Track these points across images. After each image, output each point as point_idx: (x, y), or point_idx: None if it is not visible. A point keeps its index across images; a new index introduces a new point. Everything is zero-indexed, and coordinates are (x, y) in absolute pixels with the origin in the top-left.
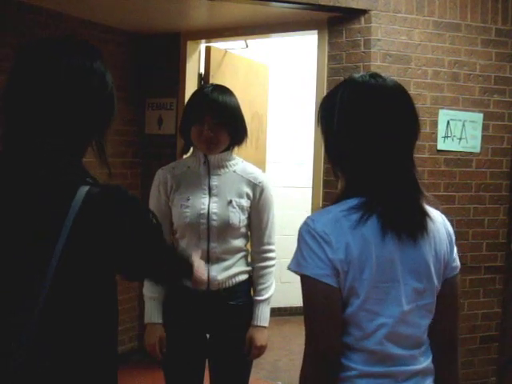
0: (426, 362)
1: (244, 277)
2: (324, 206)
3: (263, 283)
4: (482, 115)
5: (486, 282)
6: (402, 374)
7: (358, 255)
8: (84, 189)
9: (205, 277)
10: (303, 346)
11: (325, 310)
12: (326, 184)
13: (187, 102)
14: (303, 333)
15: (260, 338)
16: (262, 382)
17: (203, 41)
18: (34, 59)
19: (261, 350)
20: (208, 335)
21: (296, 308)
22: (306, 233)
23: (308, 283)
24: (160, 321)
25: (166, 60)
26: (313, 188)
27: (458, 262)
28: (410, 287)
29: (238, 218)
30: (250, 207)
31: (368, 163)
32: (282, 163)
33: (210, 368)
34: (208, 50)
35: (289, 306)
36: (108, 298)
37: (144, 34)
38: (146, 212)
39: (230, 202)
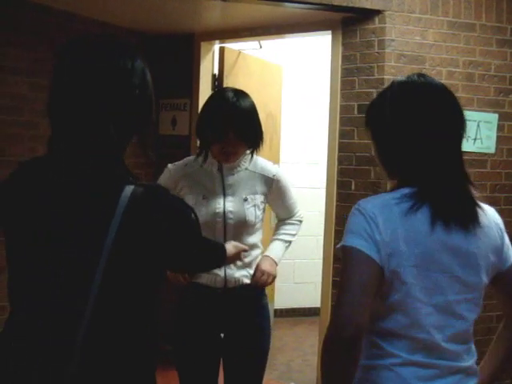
0: (470, 362)
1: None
2: (338, 206)
3: (284, 229)
4: (496, 116)
5: None
6: (445, 368)
7: (404, 242)
8: (129, 188)
9: (239, 250)
10: (316, 347)
11: (360, 281)
12: (340, 184)
13: (206, 110)
14: (316, 333)
15: (266, 264)
16: (275, 382)
17: (217, 41)
18: (76, 60)
19: (264, 274)
20: (222, 334)
21: (309, 309)
22: (356, 211)
23: (350, 253)
24: None
25: (180, 61)
26: (326, 188)
27: (511, 255)
28: (459, 279)
29: (254, 215)
30: (267, 199)
31: (421, 157)
32: (295, 163)
33: (224, 367)
34: (222, 50)
35: (302, 306)
36: (154, 295)
37: (158, 35)
38: (187, 209)
39: (246, 199)
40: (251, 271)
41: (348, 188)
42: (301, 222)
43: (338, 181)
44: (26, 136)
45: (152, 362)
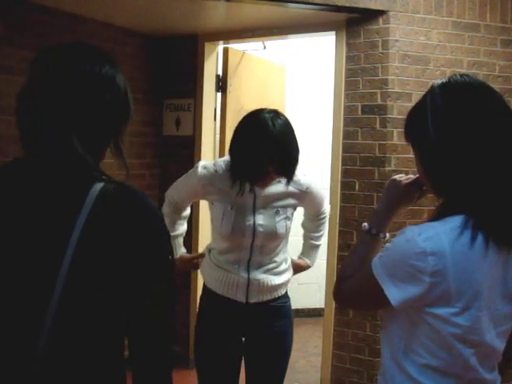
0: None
1: (283, 279)
2: (341, 207)
3: (319, 231)
4: None
5: None
6: None
7: (459, 281)
8: (98, 185)
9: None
10: (320, 348)
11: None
12: (344, 185)
13: (239, 140)
14: (320, 334)
15: (302, 266)
16: None
17: (221, 42)
18: (45, 67)
19: (301, 267)
20: (244, 338)
21: (313, 309)
22: (404, 241)
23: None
24: (182, 251)
25: (184, 61)
26: (330, 189)
27: None
28: (501, 312)
29: (285, 227)
30: (297, 207)
31: (472, 174)
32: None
33: (246, 368)
34: (226, 51)
35: (306, 307)
36: (122, 295)
37: (162, 36)
38: (158, 216)
39: (278, 212)
40: (275, 273)
41: (352, 189)
42: (327, 217)
43: (341, 181)
44: None
45: (120, 369)
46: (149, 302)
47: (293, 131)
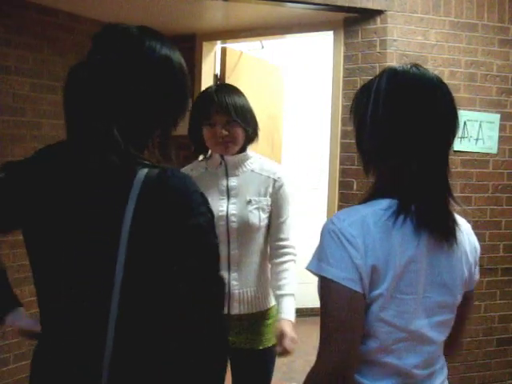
0: (440, 380)
1: (266, 281)
2: (340, 206)
3: (285, 278)
4: (499, 116)
5: (503, 283)
6: None
7: (383, 262)
8: (143, 171)
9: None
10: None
11: (346, 318)
12: (342, 184)
13: (193, 105)
14: (318, 334)
15: (291, 330)
16: (278, 383)
17: (219, 42)
18: (107, 42)
19: (293, 341)
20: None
21: (311, 309)
22: (331, 232)
23: (329, 287)
24: None
25: None
26: (328, 189)
27: (477, 276)
28: (433, 300)
29: (258, 218)
30: (271, 204)
31: (401, 160)
32: (297, 164)
33: (232, 369)
34: (224, 50)
35: (304, 306)
36: (173, 277)
37: None
38: (201, 197)
39: (250, 201)
40: (257, 274)
41: (350, 188)
42: (292, 255)
43: (339, 181)
44: (28, 136)
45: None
46: (196, 280)
47: (244, 96)
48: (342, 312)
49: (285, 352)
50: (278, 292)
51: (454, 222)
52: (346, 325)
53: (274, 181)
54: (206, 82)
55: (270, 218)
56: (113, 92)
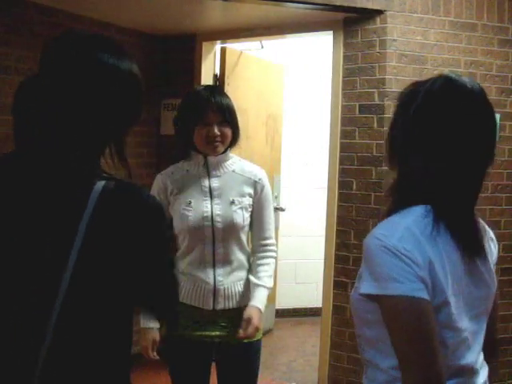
0: (486, 368)
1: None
2: (339, 206)
3: (265, 271)
4: (498, 116)
5: (503, 283)
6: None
7: (439, 269)
8: (100, 183)
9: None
10: (317, 347)
11: (424, 330)
12: (341, 184)
13: (185, 106)
14: (317, 334)
15: (258, 318)
16: (277, 382)
17: (218, 42)
18: (53, 54)
19: (257, 330)
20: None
21: (310, 309)
22: (383, 248)
23: (398, 304)
24: (154, 326)
25: (182, 61)
26: (328, 188)
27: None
28: (476, 297)
29: (242, 217)
30: (252, 204)
31: (444, 164)
32: (296, 163)
33: (217, 372)
34: (223, 50)
35: (303, 307)
36: (125, 296)
37: (159, 35)
38: (161, 210)
39: (233, 201)
40: (241, 273)
41: (349, 188)
42: (274, 252)
43: (339, 181)
44: None
45: (123, 362)
46: (154, 289)
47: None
48: (420, 324)
49: (245, 338)
50: (255, 281)
51: (484, 231)
52: (426, 337)
53: (256, 182)
54: (206, 81)
55: (251, 216)
56: (62, 103)
